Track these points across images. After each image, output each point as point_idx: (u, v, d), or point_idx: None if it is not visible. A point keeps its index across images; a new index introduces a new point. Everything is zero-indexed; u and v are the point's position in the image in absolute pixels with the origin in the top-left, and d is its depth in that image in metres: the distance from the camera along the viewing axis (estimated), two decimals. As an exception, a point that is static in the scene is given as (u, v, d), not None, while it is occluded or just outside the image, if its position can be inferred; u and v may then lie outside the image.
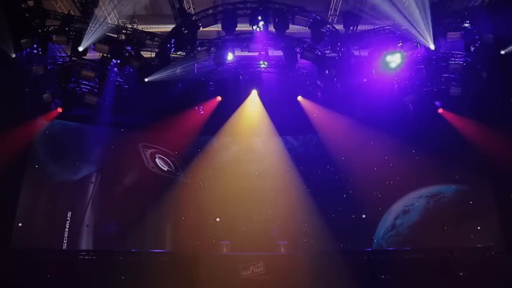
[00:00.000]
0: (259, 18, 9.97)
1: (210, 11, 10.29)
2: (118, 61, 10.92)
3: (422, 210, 12.18)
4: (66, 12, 10.65)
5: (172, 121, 12.70)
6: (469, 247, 10.21)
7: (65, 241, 11.78)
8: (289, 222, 12.65)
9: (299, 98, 12.65)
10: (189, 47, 11.00)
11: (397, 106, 11.66)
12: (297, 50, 10.80)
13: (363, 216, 12.48)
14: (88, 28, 9.86)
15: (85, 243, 12.13)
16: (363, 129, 12.65)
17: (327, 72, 11.05)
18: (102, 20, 10.34)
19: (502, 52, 9.77)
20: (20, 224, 11.14)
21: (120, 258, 9.90)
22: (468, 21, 9.98)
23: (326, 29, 10.43)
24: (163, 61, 11.08)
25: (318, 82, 12.08)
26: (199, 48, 11.02)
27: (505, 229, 10.81)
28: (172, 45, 10.70)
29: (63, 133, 12.31)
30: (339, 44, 10.67)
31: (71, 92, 11.35)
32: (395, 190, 12.47)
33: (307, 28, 10.19)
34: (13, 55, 10.09)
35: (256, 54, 11.22)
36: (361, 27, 11.09)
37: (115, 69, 11.24)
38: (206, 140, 13.80)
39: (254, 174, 13.46)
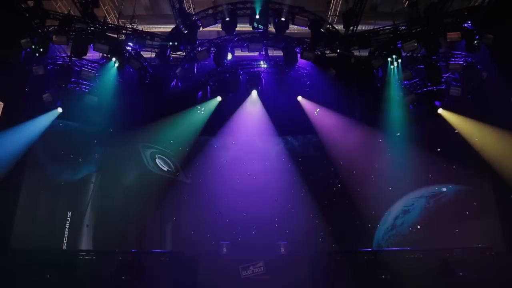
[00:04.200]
0: (259, 18, 9.97)
1: (210, 11, 10.30)
2: (118, 61, 10.92)
3: (422, 210, 12.17)
4: (66, 12, 10.67)
5: (172, 121, 12.70)
6: (469, 247, 10.19)
7: (65, 241, 11.78)
8: (289, 222, 12.66)
9: (299, 98, 12.65)
10: (189, 47, 11.00)
11: (397, 106, 11.66)
12: (297, 50, 10.80)
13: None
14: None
15: (85, 243, 12.13)
16: (363, 129, 12.66)
17: (327, 72, 11.07)
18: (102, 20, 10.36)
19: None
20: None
21: (120, 258, 9.89)
22: (468, 21, 9.99)
23: (326, 29, 10.43)
24: (163, 61, 11.09)
25: (318, 82, 12.08)
26: (199, 48, 11.02)
27: (505, 229, 10.81)
28: (172, 45, 10.69)
29: (63, 133, 12.28)
30: (339, 44, 10.66)
31: (71, 92, 11.35)
32: (395, 190, 12.46)
33: (307, 28, 10.19)
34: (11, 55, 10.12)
35: (256, 54, 11.21)
36: (361, 27, 11.09)
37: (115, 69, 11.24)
38: (206, 140, 13.80)
39: (254, 174, 13.46)
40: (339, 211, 12.66)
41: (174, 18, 10.87)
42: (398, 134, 12.19)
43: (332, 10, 11.90)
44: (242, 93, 12.29)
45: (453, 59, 10.76)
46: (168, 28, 11.31)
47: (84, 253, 11.11)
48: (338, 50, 10.85)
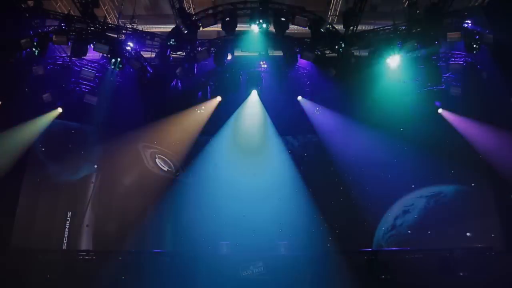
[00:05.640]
0: (259, 18, 9.97)
1: (210, 11, 10.28)
2: (118, 61, 10.92)
3: (422, 210, 12.17)
4: (66, 12, 10.67)
5: (172, 121, 12.69)
6: (469, 247, 10.20)
7: (65, 241, 11.78)
8: (289, 222, 12.64)
9: (299, 98, 12.65)
10: (189, 47, 11.00)
11: (397, 106, 11.65)
12: (297, 50, 10.79)
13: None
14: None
15: (85, 243, 12.13)
16: (363, 129, 12.66)
17: (327, 72, 11.06)
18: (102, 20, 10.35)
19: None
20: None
21: (120, 258, 9.90)
22: (468, 21, 9.99)
23: (326, 29, 10.43)
24: (163, 61, 11.08)
25: (318, 82, 12.08)
26: (199, 48, 11.02)
27: (505, 229, 10.81)
28: (172, 45, 10.69)
29: (63, 133, 12.29)
30: (339, 44, 10.66)
31: (71, 92, 11.35)
32: (395, 190, 12.46)
33: (307, 28, 10.18)
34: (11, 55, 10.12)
35: (256, 54, 11.21)
36: (361, 27, 11.09)
37: (115, 68, 11.24)
38: (206, 140, 13.79)
39: (254, 174, 13.44)
40: (339, 211, 12.65)
41: (174, 18, 10.86)
42: (402, 129, 12.16)
43: (332, 10, 11.89)
44: (242, 93, 12.29)
45: (453, 59, 10.77)
46: (168, 28, 11.30)
47: (84, 253, 11.13)
48: (338, 50, 10.84)
